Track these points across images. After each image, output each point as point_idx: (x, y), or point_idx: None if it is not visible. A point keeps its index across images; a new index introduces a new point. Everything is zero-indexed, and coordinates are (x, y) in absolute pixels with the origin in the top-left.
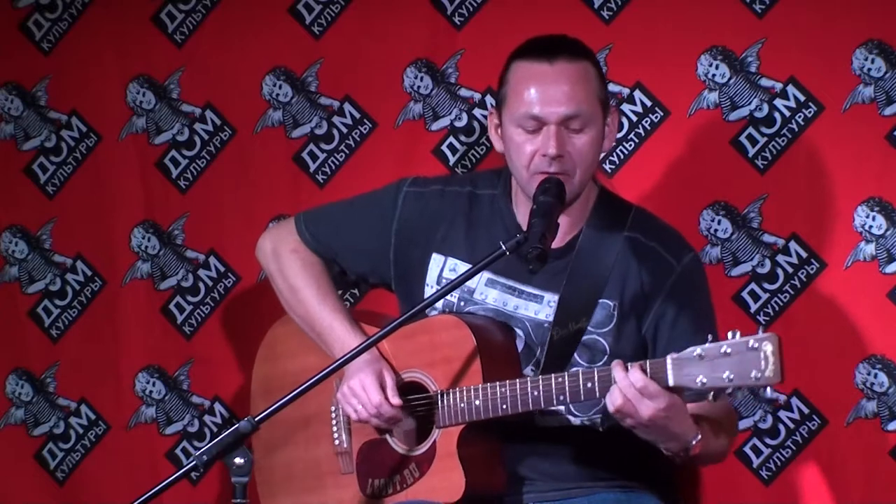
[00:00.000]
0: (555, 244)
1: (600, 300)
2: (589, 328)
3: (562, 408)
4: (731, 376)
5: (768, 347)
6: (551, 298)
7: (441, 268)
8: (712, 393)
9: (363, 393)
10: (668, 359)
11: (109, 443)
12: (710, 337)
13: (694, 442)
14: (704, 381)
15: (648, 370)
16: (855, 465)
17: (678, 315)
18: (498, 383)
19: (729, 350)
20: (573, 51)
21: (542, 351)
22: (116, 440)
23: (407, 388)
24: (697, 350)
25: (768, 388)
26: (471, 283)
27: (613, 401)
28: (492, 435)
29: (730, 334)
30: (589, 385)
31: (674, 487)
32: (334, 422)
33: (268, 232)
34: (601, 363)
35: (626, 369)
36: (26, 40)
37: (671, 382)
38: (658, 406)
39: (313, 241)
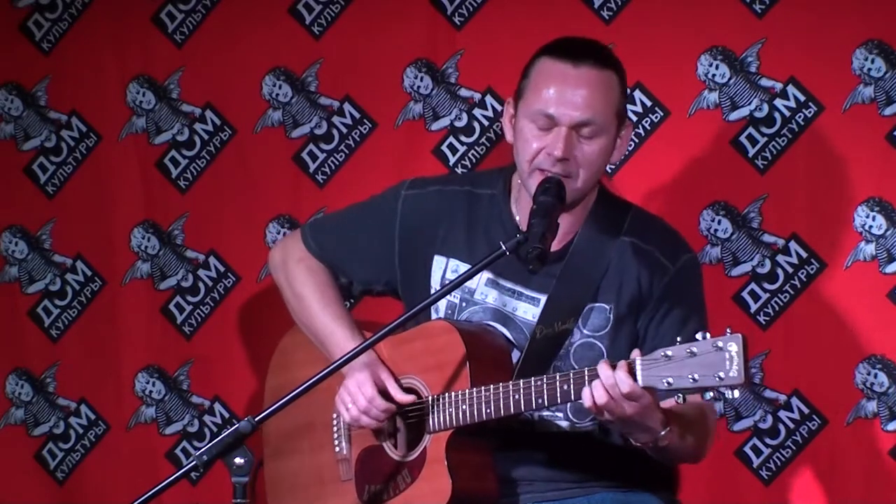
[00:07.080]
0: (553, 246)
1: (596, 304)
2: (585, 332)
3: (560, 413)
4: (696, 377)
5: (733, 347)
6: (545, 300)
7: (444, 270)
8: (680, 395)
9: (356, 390)
10: (637, 360)
11: (109, 443)
12: (678, 339)
13: (663, 433)
14: (671, 381)
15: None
16: (855, 465)
17: (668, 312)
18: (483, 388)
19: (696, 350)
20: (601, 58)
21: (523, 350)
22: (116, 440)
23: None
24: (666, 351)
25: (735, 391)
26: (471, 284)
27: (598, 398)
28: (483, 441)
29: (698, 335)
30: (566, 387)
31: (673, 487)
32: (336, 429)
33: (277, 244)
34: None
35: (613, 368)
36: (26, 40)
37: (641, 383)
38: (643, 404)
39: (319, 250)
